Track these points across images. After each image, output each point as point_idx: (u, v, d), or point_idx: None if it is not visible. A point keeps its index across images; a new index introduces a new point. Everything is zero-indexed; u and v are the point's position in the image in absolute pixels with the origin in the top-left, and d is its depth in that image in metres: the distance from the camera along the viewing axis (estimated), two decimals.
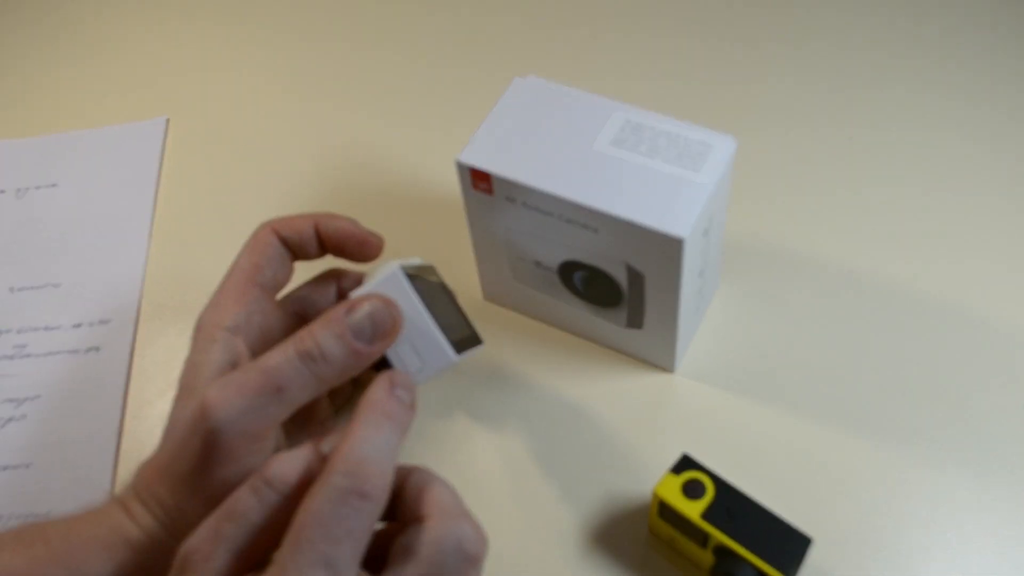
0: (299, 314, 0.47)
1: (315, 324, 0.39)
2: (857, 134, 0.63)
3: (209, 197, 0.64)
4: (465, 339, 0.45)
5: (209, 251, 0.61)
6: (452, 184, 0.62)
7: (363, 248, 0.45)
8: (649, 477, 0.49)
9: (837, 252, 0.57)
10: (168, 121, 0.69)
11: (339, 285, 0.48)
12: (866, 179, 0.60)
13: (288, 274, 0.45)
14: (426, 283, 0.44)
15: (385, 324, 0.40)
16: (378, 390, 0.37)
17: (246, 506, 0.35)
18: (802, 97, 0.65)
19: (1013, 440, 0.49)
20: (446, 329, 0.42)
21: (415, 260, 0.45)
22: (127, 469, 0.51)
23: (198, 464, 0.37)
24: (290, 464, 0.36)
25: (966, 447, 0.49)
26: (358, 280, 0.48)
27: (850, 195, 0.60)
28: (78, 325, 0.58)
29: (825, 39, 0.68)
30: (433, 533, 0.35)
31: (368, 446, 0.35)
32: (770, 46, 0.68)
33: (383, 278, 0.42)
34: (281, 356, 0.38)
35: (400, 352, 0.41)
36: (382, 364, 0.42)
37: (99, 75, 0.72)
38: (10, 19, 0.77)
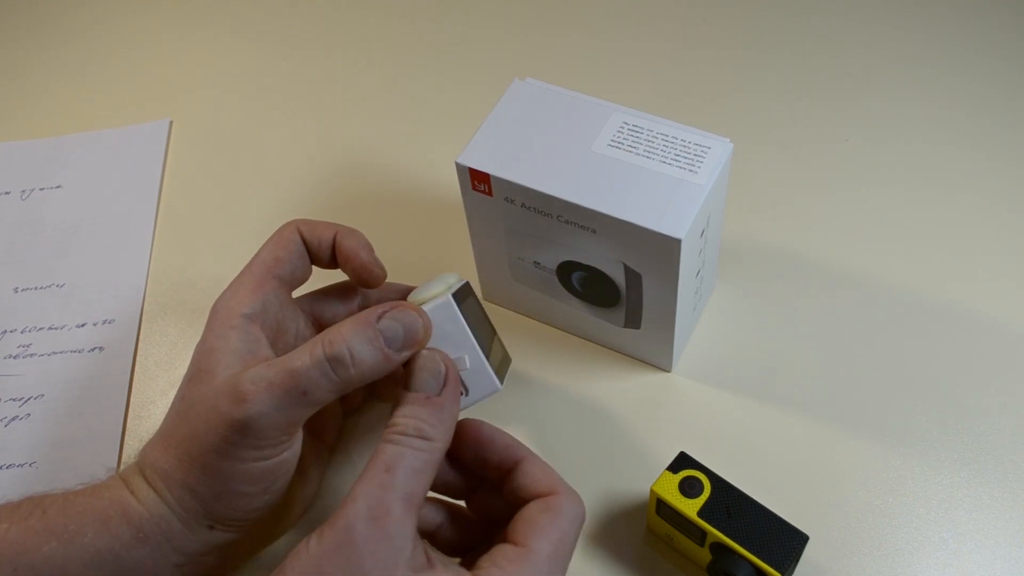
0: (314, 315, 0.47)
1: (345, 328, 0.39)
2: (853, 136, 0.63)
3: (212, 199, 0.64)
4: (502, 363, 0.45)
5: (212, 252, 0.61)
6: (452, 185, 0.62)
7: (364, 275, 0.45)
8: (646, 475, 0.49)
9: (833, 253, 0.57)
10: (171, 124, 0.69)
11: (363, 298, 0.48)
12: (862, 180, 0.61)
13: (307, 273, 0.46)
14: (469, 306, 0.43)
15: (416, 332, 0.39)
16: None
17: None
18: (799, 100, 0.65)
19: (1008, 439, 0.49)
20: (489, 356, 0.42)
21: (452, 277, 0.45)
22: None
23: (221, 447, 0.38)
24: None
25: (962, 445, 0.49)
26: (400, 293, 0.47)
27: (846, 196, 0.60)
28: (82, 325, 0.58)
29: (821, 43, 0.69)
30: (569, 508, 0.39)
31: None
32: (767, 49, 0.69)
33: (433, 305, 0.41)
34: (308, 360, 0.38)
35: None
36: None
37: (103, 78, 0.73)
38: (16, 23, 0.78)
